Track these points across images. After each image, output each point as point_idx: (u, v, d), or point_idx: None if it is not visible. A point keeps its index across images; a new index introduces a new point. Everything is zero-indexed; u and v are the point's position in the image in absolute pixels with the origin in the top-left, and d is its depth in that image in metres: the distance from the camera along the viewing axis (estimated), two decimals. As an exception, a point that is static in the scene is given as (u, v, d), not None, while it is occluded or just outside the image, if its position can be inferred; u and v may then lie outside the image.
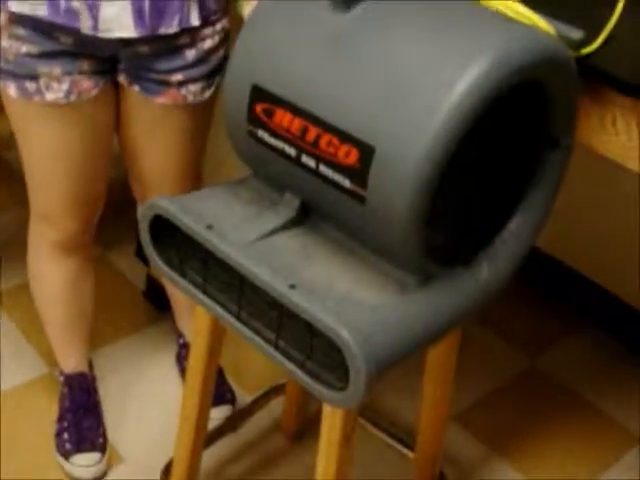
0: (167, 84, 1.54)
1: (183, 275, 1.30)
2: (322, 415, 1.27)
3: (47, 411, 1.97)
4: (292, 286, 1.13)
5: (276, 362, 1.19)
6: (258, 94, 1.20)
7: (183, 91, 1.55)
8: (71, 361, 1.93)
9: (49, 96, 1.48)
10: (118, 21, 1.41)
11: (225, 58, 1.56)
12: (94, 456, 1.86)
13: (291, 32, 1.19)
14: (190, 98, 1.56)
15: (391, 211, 1.10)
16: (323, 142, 1.13)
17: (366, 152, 1.09)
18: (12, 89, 1.50)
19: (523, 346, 2.30)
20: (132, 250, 2.35)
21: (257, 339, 1.21)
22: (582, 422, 2.10)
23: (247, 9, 1.46)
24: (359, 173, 1.11)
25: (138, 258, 2.31)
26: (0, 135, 2.65)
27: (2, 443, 1.90)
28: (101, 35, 1.42)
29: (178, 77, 1.53)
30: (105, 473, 1.87)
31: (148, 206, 1.28)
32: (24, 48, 1.45)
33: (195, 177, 1.74)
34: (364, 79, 1.11)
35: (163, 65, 1.51)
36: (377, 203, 1.11)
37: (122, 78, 1.54)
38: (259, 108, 1.20)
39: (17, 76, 1.48)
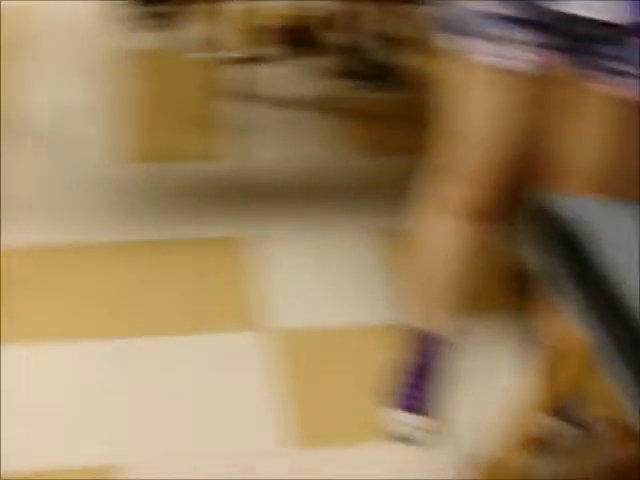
0: (609, 72, 1.50)
1: (558, 281, 1.23)
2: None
3: (385, 359, 2.00)
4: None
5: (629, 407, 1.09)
6: None
7: (624, 83, 1.50)
8: (434, 321, 1.94)
9: (507, 62, 1.52)
10: None
11: None
12: (420, 420, 1.88)
13: None
14: (630, 93, 1.50)
15: None
16: None
17: None
18: (469, 49, 1.54)
19: None
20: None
21: (625, 383, 1.11)
22: None
23: None
24: None
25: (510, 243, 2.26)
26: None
27: (325, 374, 1.96)
28: (558, 8, 1.43)
29: (621, 66, 1.49)
30: (424, 440, 1.87)
31: (544, 200, 1.22)
32: (491, 8, 1.49)
33: (610, 185, 1.63)
34: None
35: (610, 51, 1.48)
36: None
37: (568, 58, 1.53)
38: None
39: (477, 36, 1.52)
